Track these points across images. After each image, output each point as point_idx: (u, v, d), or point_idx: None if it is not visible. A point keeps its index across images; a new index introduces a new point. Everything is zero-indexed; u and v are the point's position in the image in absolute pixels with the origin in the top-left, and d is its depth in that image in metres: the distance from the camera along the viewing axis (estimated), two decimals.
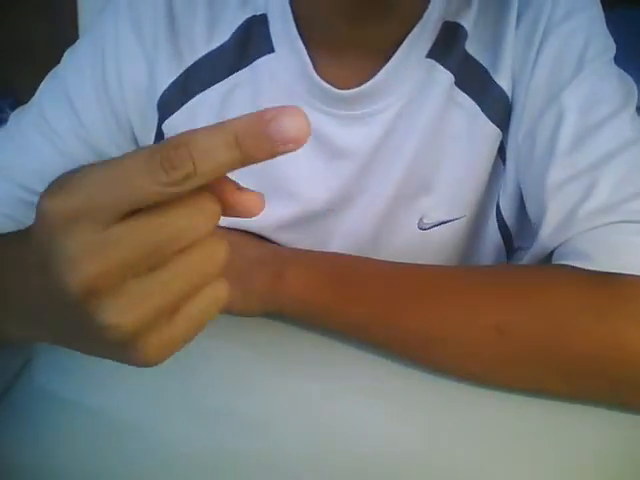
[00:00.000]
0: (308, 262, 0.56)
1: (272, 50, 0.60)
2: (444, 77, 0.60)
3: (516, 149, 0.60)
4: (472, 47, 0.60)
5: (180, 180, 0.27)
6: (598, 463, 0.46)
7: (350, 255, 0.58)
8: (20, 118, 0.64)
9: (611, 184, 0.52)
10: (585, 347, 0.45)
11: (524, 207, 0.61)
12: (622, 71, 0.58)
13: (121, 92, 0.62)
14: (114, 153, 0.64)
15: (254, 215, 0.32)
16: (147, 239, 0.28)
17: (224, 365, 0.53)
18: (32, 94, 0.65)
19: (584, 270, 0.48)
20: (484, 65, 0.60)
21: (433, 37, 0.59)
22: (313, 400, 0.50)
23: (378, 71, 0.59)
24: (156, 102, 0.62)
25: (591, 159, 0.53)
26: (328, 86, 0.59)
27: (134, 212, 0.28)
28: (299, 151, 0.67)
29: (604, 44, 0.58)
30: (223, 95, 0.62)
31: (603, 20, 0.59)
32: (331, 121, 0.60)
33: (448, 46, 0.59)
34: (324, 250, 0.59)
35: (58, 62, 0.64)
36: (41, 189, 0.66)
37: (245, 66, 0.61)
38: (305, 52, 0.59)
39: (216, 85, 0.62)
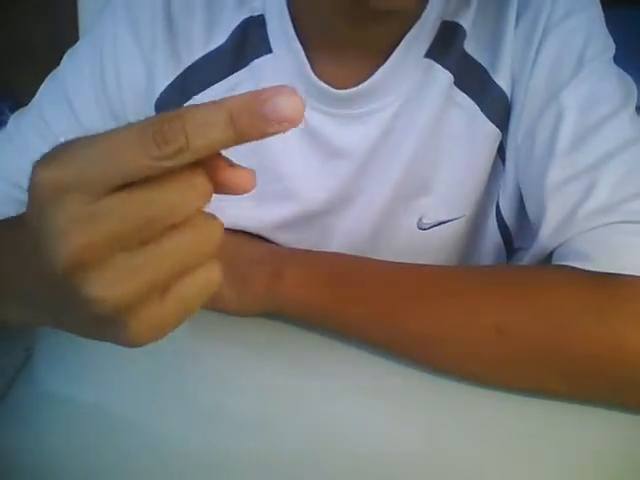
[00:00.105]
0: (307, 262, 0.56)
1: (270, 51, 0.60)
2: (443, 77, 0.60)
3: (515, 149, 0.60)
4: (471, 47, 0.60)
5: (172, 154, 0.27)
6: (598, 463, 0.45)
7: (349, 255, 0.58)
8: (19, 120, 0.64)
9: (611, 184, 0.52)
10: (585, 347, 0.45)
11: (524, 207, 0.61)
12: (621, 71, 0.58)
13: (119, 93, 0.62)
14: None
15: (246, 192, 0.31)
16: (137, 213, 0.28)
17: (224, 364, 0.53)
18: (32, 96, 0.65)
19: (584, 270, 0.48)
20: (483, 65, 0.60)
21: (431, 37, 0.59)
22: (313, 400, 0.50)
23: (376, 71, 0.59)
24: (154, 103, 0.62)
25: (591, 159, 0.53)
26: (325, 86, 0.59)
27: (126, 186, 0.28)
28: (297, 151, 0.67)
29: (603, 44, 0.58)
30: (221, 96, 0.61)
31: (602, 20, 0.59)
32: (329, 121, 0.60)
33: (447, 46, 0.59)
34: (323, 250, 0.59)
35: (58, 64, 0.65)
36: None
37: (243, 67, 0.61)
38: (302, 52, 0.59)
39: (214, 86, 0.62)
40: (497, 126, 0.61)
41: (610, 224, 0.50)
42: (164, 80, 0.62)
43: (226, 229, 0.31)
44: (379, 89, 0.59)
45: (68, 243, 0.27)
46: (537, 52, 0.57)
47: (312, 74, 0.59)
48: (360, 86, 0.59)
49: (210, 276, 0.31)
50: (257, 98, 0.28)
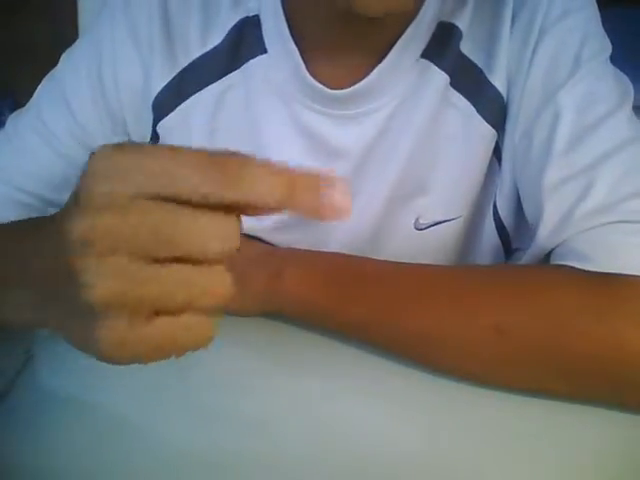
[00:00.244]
0: (306, 262, 0.56)
1: (265, 51, 0.61)
2: (439, 77, 0.60)
3: (512, 149, 0.60)
4: (467, 47, 0.60)
5: (224, 192, 0.28)
6: (598, 463, 0.45)
7: (349, 255, 0.58)
8: (18, 120, 0.64)
9: (608, 184, 0.52)
10: (584, 347, 0.45)
11: (521, 207, 0.61)
12: (618, 71, 0.58)
13: (117, 94, 0.62)
14: None
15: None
16: (160, 225, 0.28)
17: (224, 364, 0.53)
18: (31, 96, 0.65)
19: (583, 270, 0.48)
20: (479, 65, 0.60)
21: (427, 37, 0.59)
22: (313, 400, 0.50)
23: (372, 71, 0.59)
24: (151, 103, 0.62)
25: (588, 159, 0.53)
26: (321, 86, 0.59)
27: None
28: (295, 151, 0.67)
29: (600, 44, 0.58)
30: (217, 96, 0.62)
31: (599, 20, 0.59)
32: (325, 121, 0.60)
33: (443, 46, 0.59)
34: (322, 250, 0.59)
35: (58, 64, 0.65)
36: (38, 191, 0.67)
37: (238, 67, 0.61)
38: (297, 52, 0.59)
39: (210, 86, 0.62)
40: (493, 126, 0.61)
41: (608, 224, 0.50)
42: (161, 81, 0.62)
43: None
44: (375, 89, 0.59)
45: (86, 217, 0.28)
46: (533, 52, 0.57)
47: (307, 74, 0.59)
48: (356, 86, 0.59)
49: (203, 330, 0.30)
50: (316, 182, 0.29)
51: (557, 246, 0.53)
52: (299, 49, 0.59)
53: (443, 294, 0.51)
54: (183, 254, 0.28)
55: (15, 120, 0.64)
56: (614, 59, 0.58)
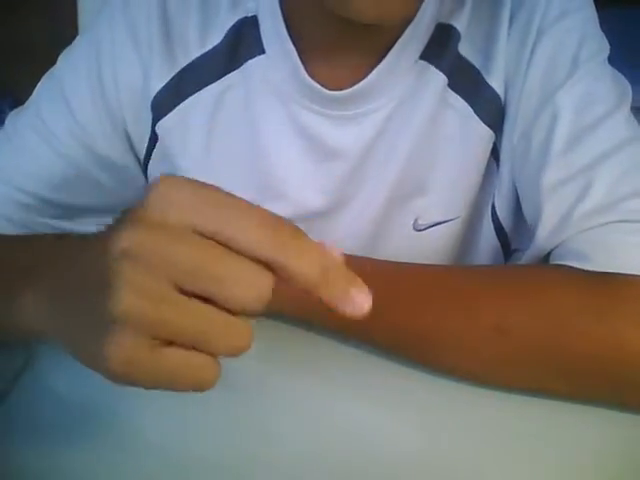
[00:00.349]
0: None
1: (263, 51, 0.60)
2: (437, 79, 0.60)
3: (511, 150, 0.60)
4: (465, 48, 0.60)
5: (274, 252, 0.29)
6: (598, 463, 0.45)
7: (349, 255, 0.58)
8: (17, 119, 0.64)
9: (607, 184, 0.52)
10: (584, 347, 0.45)
11: (520, 208, 0.61)
12: (616, 71, 0.59)
13: (117, 94, 0.62)
14: (109, 154, 0.64)
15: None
16: (207, 261, 0.29)
17: (223, 364, 0.52)
18: (31, 95, 0.64)
19: (583, 270, 0.48)
20: (477, 66, 0.60)
21: (426, 39, 0.59)
22: (313, 400, 0.50)
23: (370, 72, 0.58)
24: (150, 103, 0.62)
25: (586, 159, 0.53)
26: (319, 87, 0.59)
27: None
28: (293, 152, 0.67)
29: (598, 44, 0.58)
30: (216, 97, 0.62)
31: (597, 20, 0.59)
32: (324, 121, 0.60)
33: (441, 48, 0.60)
34: None
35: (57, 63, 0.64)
36: (38, 191, 0.67)
37: (237, 68, 0.61)
38: (296, 53, 0.59)
39: (209, 87, 0.62)
40: (490, 127, 0.61)
41: (607, 224, 0.50)
42: (160, 81, 0.61)
43: None
44: (374, 90, 0.59)
45: (137, 233, 0.29)
46: (531, 53, 0.57)
47: (306, 75, 0.59)
48: (354, 87, 0.59)
49: (207, 373, 0.31)
50: (348, 276, 0.32)
51: (556, 246, 0.53)
52: (297, 49, 0.59)
53: (443, 294, 0.51)
54: (216, 295, 0.29)
55: (14, 119, 0.64)
56: (612, 60, 0.58)
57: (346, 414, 0.49)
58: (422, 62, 0.60)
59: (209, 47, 0.61)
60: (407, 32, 0.58)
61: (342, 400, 0.50)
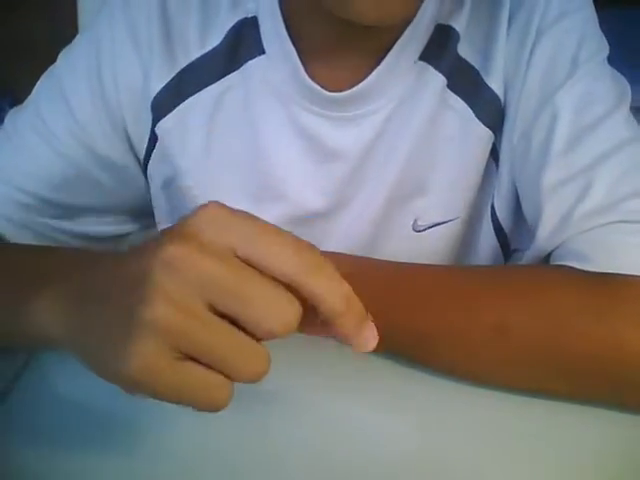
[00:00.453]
0: None
1: (263, 52, 0.61)
2: (436, 79, 0.60)
3: (510, 151, 0.60)
4: (464, 49, 0.60)
5: (306, 277, 0.31)
6: (598, 463, 0.45)
7: (349, 254, 0.58)
8: (16, 118, 0.64)
9: (607, 184, 0.52)
10: (584, 347, 0.45)
11: (519, 208, 0.61)
12: (616, 71, 0.59)
13: (117, 94, 0.62)
14: (110, 154, 0.64)
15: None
16: (244, 284, 0.31)
17: None
18: (31, 93, 0.64)
19: (582, 271, 0.48)
20: (476, 67, 0.60)
21: (425, 40, 0.59)
22: (313, 400, 0.50)
23: (370, 73, 0.59)
24: (150, 104, 0.62)
25: (586, 160, 0.53)
26: (319, 88, 0.59)
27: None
28: (293, 153, 0.67)
29: (597, 45, 0.58)
30: (215, 97, 0.62)
31: (596, 20, 0.59)
32: (324, 122, 0.60)
33: (440, 49, 0.60)
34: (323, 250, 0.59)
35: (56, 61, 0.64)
36: (38, 191, 0.67)
37: (237, 68, 0.61)
38: (295, 54, 0.59)
39: (209, 87, 0.62)
40: (489, 128, 0.61)
41: (607, 224, 0.50)
42: (160, 81, 0.61)
43: None
44: (373, 91, 0.59)
45: (184, 247, 0.31)
46: (531, 54, 0.58)
47: (306, 76, 0.59)
48: (354, 88, 0.59)
49: (221, 393, 0.32)
50: (364, 313, 0.34)
51: (557, 247, 0.53)
52: (297, 50, 0.59)
53: (443, 294, 0.51)
54: (246, 317, 0.31)
55: (14, 117, 0.64)
56: (611, 60, 0.58)
57: (346, 414, 0.49)
58: (421, 63, 0.60)
59: (209, 48, 0.61)
60: (406, 33, 0.58)
61: (342, 400, 0.50)
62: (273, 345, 0.55)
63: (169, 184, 0.66)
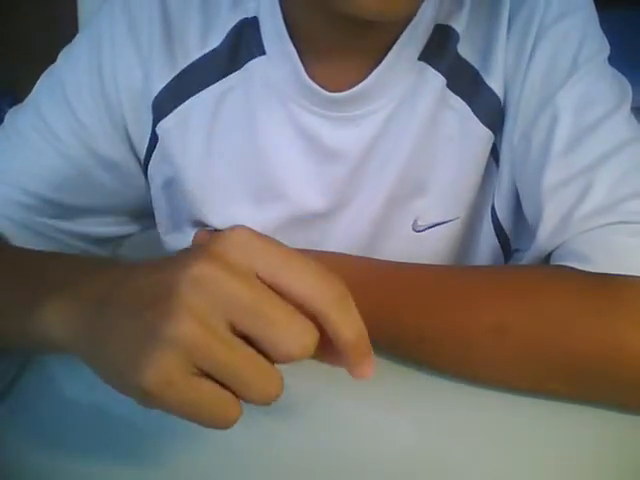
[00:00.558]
0: None
1: (263, 52, 0.60)
2: (436, 79, 0.60)
3: (511, 151, 0.60)
4: (464, 49, 0.60)
5: (330, 309, 0.33)
6: (598, 463, 0.45)
7: (349, 254, 0.58)
8: (16, 118, 0.64)
9: (607, 185, 0.52)
10: (584, 348, 0.45)
11: (520, 208, 0.61)
12: (616, 71, 0.59)
13: (117, 94, 0.62)
14: (111, 155, 0.64)
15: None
16: (266, 306, 0.32)
17: None
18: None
19: (582, 271, 0.48)
20: (475, 67, 0.60)
21: (425, 40, 0.59)
22: (313, 400, 0.50)
23: (369, 73, 0.59)
24: (150, 104, 0.62)
25: (587, 160, 0.53)
26: (319, 88, 0.59)
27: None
28: (293, 153, 0.67)
29: (598, 45, 0.58)
30: (216, 98, 0.62)
31: (597, 20, 0.59)
32: (324, 123, 0.60)
33: (440, 49, 0.60)
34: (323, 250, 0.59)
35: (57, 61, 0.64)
36: (39, 191, 0.67)
37: (237, 69, 0.61)
38: (296, 54, 0.59)
39: (209, 88, 0.62)
40: (489, 128, 0.61)
41: (607, 225, 0.50)
42: (160, 82, 0.61)
43: None
44: (373, 91, 0.59)
45: (212, 267, 0.32)
46: (531, 54, 0.58)
47: (306, 76, 0.59)
48: (354, 89, 0.59)
49: (232, 411, 0.33)
50: (370, 346, 0.36)
51: (557, 247, 0.53)
52: (298, 51, 0.59)
53: (443, 294, 0.51)
54: (266, 338, 0.32)
55: (14, 117, 0.64)
56: (612, 60, 0.58)
57: (346, 414, 0.49)
58: (421, 63, 0.60)
59: (210, 48, 0.61)
60: (406, 33, 0.58)
61: (342, 400, 0.50)
62: None
63: (169, 184, 0.66)
